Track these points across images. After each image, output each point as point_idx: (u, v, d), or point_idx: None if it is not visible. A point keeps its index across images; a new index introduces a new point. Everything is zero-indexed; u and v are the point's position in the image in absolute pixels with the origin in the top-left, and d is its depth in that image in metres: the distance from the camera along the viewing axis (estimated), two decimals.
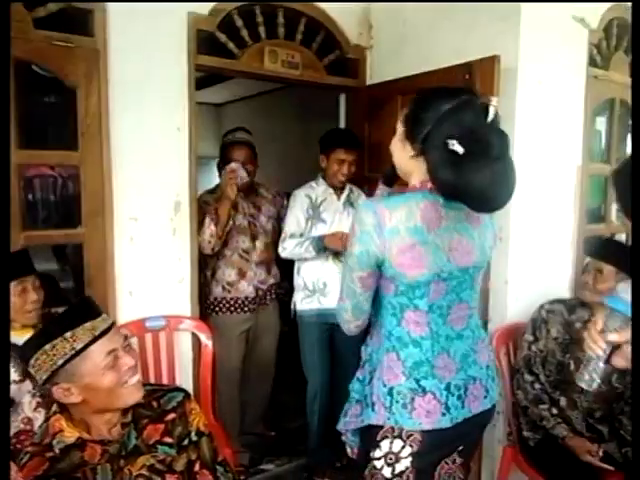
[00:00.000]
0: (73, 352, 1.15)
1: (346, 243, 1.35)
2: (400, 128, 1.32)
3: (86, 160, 1.99)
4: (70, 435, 1.19)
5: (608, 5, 2.43)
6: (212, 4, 2.21)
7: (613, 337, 1.14)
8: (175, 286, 2.25)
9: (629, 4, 2.50)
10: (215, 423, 2.14)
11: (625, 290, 1.12)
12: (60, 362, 1.15)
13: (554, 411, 1.94)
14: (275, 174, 4.56)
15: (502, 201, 1.20)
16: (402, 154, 1.31)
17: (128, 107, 2.05)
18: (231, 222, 2.52)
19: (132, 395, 1.23)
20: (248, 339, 2.71)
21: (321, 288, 2.48)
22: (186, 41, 2.16)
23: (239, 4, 2.30)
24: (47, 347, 1.15)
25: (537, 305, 2.05)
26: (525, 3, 2.04)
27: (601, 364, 1.17)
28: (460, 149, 1.14)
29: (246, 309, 2.64)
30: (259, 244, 2.65)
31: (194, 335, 2.26)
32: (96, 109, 1.98)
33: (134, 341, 2.07)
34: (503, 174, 1.16)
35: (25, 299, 1.67)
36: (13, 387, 1.58)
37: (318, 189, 2.55)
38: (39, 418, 1.60)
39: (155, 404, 1.30)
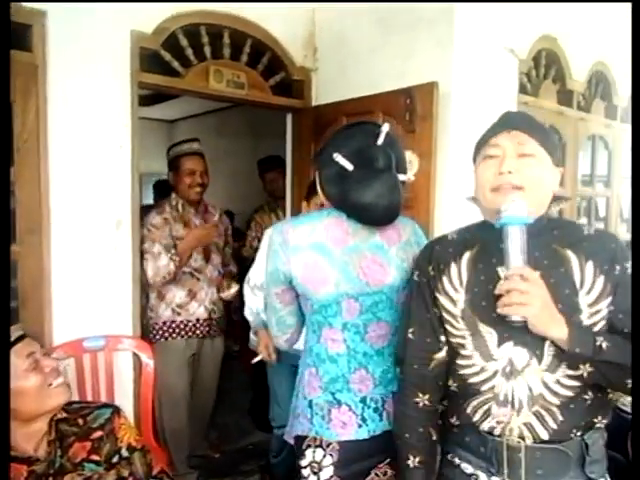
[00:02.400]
0: None
1: None
2: None
3: (22, 176, 1.94)
4: None
5: (537, 36, 2.60)
6: (156, 23, 2.22)
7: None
8: (115, 305, 2.20)
9: (556, 36, 2.68)
10: (156, 445, 2.10)
11: (516, 206, 1.03)
12: None
13: None
14: (224, 191, 4.55)
15: (385, 214, 1.29)
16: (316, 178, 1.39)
17: (68, 124, 2.03)
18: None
19: (59, 396, 1.26)
20: (193, 362, 2.64)
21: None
22: (129, 58, 2.16)
23: (184, 23, 2.32)
24: None
25: None
26: (459, 31, 2.16)
27: None
28: (349, 165, 1.25)
29: (198, 332, 2.56)
30: (211, 262, 2.61)
31: (135, 355, 2.22)
32: (33, 125, 1.94)
33: (71, 362, 2.02)
34: (386, 188, 1.26)
35: None
36: None
37: None
38: None
39: (81, 421, 1.29)
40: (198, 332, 2.55)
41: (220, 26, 2.44)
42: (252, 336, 2.29)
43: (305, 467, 1.34)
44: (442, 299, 1.16)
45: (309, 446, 1.34)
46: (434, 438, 1.20)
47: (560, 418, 1.07)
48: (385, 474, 1.37)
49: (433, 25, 2.21)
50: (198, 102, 4.92)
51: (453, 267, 1.16)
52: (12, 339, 1.21)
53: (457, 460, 1.18)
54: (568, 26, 2.74)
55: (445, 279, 1.16)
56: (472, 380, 1.13)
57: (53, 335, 2.03)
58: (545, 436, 1.07)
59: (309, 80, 2.79)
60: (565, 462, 1.07)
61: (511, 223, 1.03)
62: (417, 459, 1.18)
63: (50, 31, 1.96)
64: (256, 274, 2.23)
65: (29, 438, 1.22)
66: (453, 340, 1.16)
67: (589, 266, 1.06)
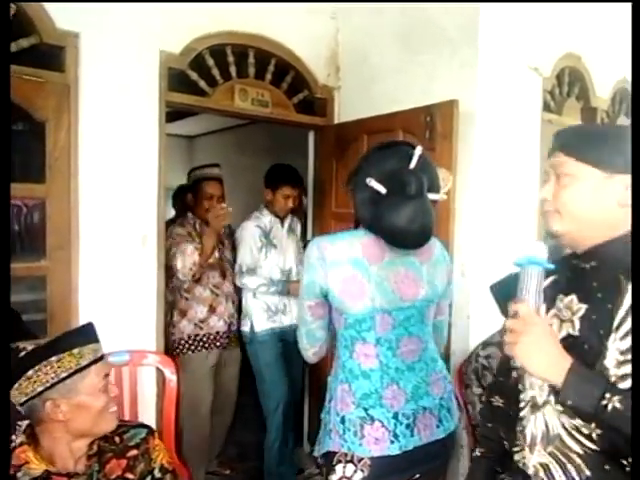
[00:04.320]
0: (78, 367, 1.21)
1: None
2: None
3: (52, 193, 1.99)
4: (37, 467, 1.20)
5: (560, 55, 2.60)
6: (184, 44, 2.27)
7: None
8: (140, 320, 2.23)
9: (579, 54, 2.68)
10: (178, 461, 2.10)
11: (536, 247, 0.97)
12: (63, 375, 1.19)
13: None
14: (244, 207, 4.58)
15: (417, 238, 1.32)
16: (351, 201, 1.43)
17: (98, 142, 2.08)
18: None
19: (112, 422, 1.29)
20: (215, 375, 2.72)
21: (282, 309, 2.70)
22: (157, 78, 2.21)
23: (210, 44, 2.36)
24: (53, 359, 1.19)
25: None
26: (483, 51, 2.17)
27: None
28: (382, 189, 1.29)
29: (218, 344, 2.67)
30: (227, 279, 2.72)
31: (158, 370, 2.23)
32: (65, 143, 1.99)
33: None
34: (418, 212, 1.29)
35: None
36: None
37: (265, 219, 2.74)
38: None
39: (118, 439, 1.32)
40: (218, 344, 2.67)
41: (245, 46, 2.49)
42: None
43: None
44: None
45: (340, 461, 1.34)
46: (503, 438, 1.16)
47: (587, 473, 0.94)
48: None
49: (456, 44, 2.22)
50: (218, 118, 4.99)
51: None
52: (95, 357, 1.25)
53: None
54: (592, 44, 2.73)
55: None
56: (520, 405, 1.08)
57: None
58: None
59: (332, 98, 2.83)
60: None
61: (525, 265, 0.97)
62: (480, 450, 1.23)
63: (82, 52, 2.02)
64: (243, 260, 2.65)
65: (72, 454, 1.24)
66: None
67: None
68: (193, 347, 2.61)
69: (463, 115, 2.13)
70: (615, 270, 0.96)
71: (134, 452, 1.31)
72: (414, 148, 1.34)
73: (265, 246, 2.69)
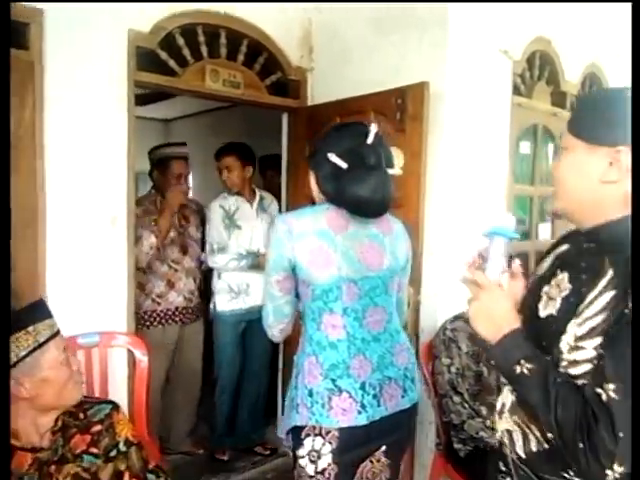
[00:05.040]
0: (36, 344, 1.23)
1: None
2: None
3: (17, 172, 1.94)
4: None
5: (531, 38, 2.62)
6: (153, 22, 2.24)
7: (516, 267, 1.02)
8: (110, 301, 2.22)
9: (550, 38, 2.71)
10: (149, 439, 2.11)
11: (503, 218, 1.01)
12: (23, 354, 1.21)
13: (488, 422, 2.02)
14: (219, 189, 4.57)
15: (379, 207, 1.39)
16: (311, 182, 1.48)
17: (64, 121, 2.04)
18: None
19: (77, 393, 1.32)
20: (174, 352, 2.76)
21: (245, 289, 2.76)
22: (126, 57, 2.17)
23: (181, 23, 2.33)
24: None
25: None
26: (452, 32, 2.18)
27: None
28: (343, 164, 1.34)
29: (177, 319, 2.71)
30: (188, 254, 2.76)
31: (129, 351, 2.23)
32: (29, 122, 1.95)
33: None
34: (380, 183, 1.35)
35: None
36: None
37: (230, 199, 2.81)
38: None
39: (82, 415, 1.33)
40: (177, 319, 2.71)
41: (217, 26, 2.46)
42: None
43: (303, 457, 1.37)
44: None
45: (308, 435, 1.37)
46: None
47: (545, 445, 0.95)
48: (379, 461, 1.43)
49: (427, 26, 2.23)
50: (194, 102, 4.93)
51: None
52: (53, 332, 1.28)
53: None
54: (562, 28, 2.76)
55: None
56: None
57: None
58: (523, 456, 0.99)
59: (305, 80, 2.81)
60: None
61: (490, 235, 1.01)
62: None
63: (47, 29, 1.98)
64: (212, 239, 2.72)
65: (37, 429, 1.26)
66: None
67: (609, 294, 0.85)
68: (149, 323, 2.64)
69: (433, 96, 2.15)
70: (605, 253, 0.90)
71: (98, 427, 1.33)
72: (369, 127, 1.40)
73: (228, 227, 2.76)
